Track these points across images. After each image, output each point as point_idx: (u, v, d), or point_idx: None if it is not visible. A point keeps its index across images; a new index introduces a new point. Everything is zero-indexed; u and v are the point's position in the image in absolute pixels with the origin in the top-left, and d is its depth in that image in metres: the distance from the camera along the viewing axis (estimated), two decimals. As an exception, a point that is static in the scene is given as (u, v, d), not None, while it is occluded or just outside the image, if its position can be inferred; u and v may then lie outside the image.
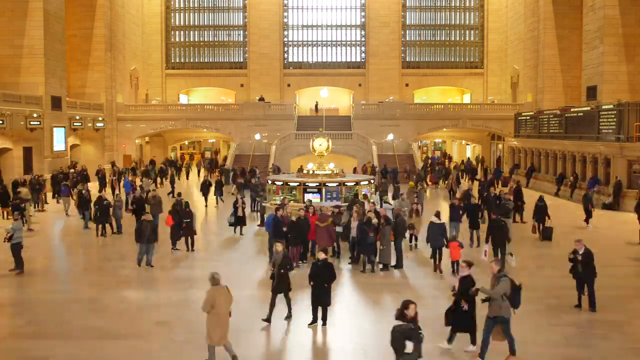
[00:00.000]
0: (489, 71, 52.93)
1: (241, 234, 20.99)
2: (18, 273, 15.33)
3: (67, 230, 22.89)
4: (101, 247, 19.82)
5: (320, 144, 25.32)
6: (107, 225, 20.86)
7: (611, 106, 28.84)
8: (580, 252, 12.44)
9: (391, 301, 13.23)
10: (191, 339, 10.74)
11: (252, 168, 35.71)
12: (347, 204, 20.70)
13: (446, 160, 48.24)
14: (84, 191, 23.52)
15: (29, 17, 33.19)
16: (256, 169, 34.64)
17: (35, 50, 33.47)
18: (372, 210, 16.73)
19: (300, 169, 28.52)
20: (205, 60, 53.86)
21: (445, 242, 15.61)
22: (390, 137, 43.31)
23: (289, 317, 11.75)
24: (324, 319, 11.40)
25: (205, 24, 53.97)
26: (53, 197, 28.93)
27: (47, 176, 31.23)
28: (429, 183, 36.60)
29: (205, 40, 53.92)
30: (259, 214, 23.67)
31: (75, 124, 38.88)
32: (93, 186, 30.91)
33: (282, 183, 24.14)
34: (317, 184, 23.44)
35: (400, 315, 7.92)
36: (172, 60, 53.97)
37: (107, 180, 33.21)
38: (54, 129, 34.85)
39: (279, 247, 11.87)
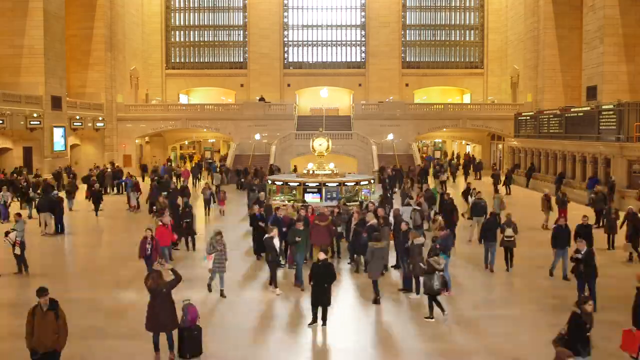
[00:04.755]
0: (489, 71, 52.92)
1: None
2: (16, 273, 15.32)
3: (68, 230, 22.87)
4: (101, 247, 19.82)
5: (320, 144, 25.34)
6: None
7: (611, 106, 28.83)
8: (582, 252, 12.44)
9: (390, 301, 13.23)
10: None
11: (256, 168, 35.64)
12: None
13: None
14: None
15: (29, 17, 33.20)
16: (261, 169, 34.86)
17: (35, 50, 33.48)
18: (371, 211, 16.71)
19: (295, 169, 27.39)
20: (205, 60, 53.84)
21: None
22: (390, 137, 43.33)
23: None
24: (324, 319, 11.40)
25: (205, 24, 53.95)
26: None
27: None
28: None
29: (205, 40, 53.90)
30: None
31: (75, 123, 38.91)
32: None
33: (282, 183, 24.15)
34: (317, 184, 23.45)
35: None
36: (172, 60, 53.95)
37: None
38: (54, 128, 34.87)
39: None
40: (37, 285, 14.76)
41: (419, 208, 19.00)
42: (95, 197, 25.74)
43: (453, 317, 11.99)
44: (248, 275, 15.68)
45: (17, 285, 14.70)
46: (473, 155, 50.37)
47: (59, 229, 21.44)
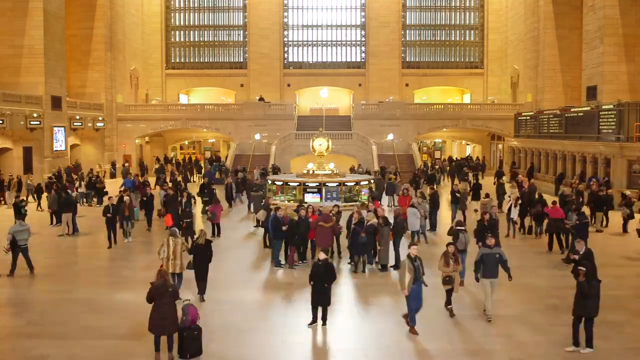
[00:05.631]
0: (489, 71, 52.91)
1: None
2: (8, 275, 15.28)
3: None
4: (102, 248, 19.80)
5: (320, 144, 25.39)
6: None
7: (611, 106, 28.83)
8: (581, 252, 12.41)
9: (390, 302, 13.23)
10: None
11: (264, 168, 35.67)
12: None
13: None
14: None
15: (29, 17, 33.19)
16: (266, 169, 34.95)
17: (35, 50, 33.47)
18: (371, 211, 16.72)
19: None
20: (205, 60, 53.83)
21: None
22: (390, 137, 43.33)
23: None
24: (324, 319, 11.40)
25: (205, 24, 53.95)
26: None
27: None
28: None
29: (205, 40, 53.89)
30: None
31: (75, 123, 38.90)
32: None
33: (282, 183, 24.18)
34: (317, 184, 23.47)
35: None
36: (172, 60, 53.94)
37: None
38: (54, 128, 34.86)
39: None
40: (38, 285, 14.83)
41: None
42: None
43: (453, 317, 11.99)
44: (248, 275, 15.69)
45: (17, 285, 14.70)
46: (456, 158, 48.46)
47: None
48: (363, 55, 53.58)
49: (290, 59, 53.88)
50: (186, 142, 55.20)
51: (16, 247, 15.33)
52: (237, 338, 10.87)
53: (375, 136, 43.61)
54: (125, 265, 16.79)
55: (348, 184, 24.65)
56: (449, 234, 15.01)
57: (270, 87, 52.37)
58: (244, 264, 16.85)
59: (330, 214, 16.79)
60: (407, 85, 53.39)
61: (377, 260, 15.95)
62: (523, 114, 41.43)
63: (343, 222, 17.67)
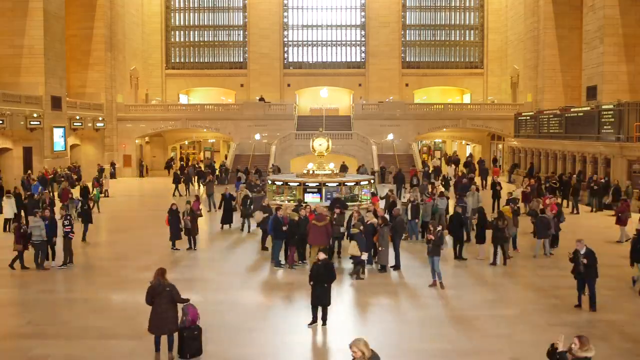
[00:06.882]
0: (489, 71, 52.90)
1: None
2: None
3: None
4: (101, 247, 19.81)
5: (320, 144, 25.37)
6: None
7: (611, 106, 28.84)
8: (582, 252, 12.40)
9: (389, 302, 13.24)
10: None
11: (257, 168, 35.68)
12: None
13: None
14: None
15: (29, 17, 33.19)
16: (261, 170, 34.92)
17: (35, 50, 33.47)
18: (371, 211, 16.72)
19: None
20: (205, 60, 53.81)
21: None
22: (390, 137, 43.33)
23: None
24: (324, 319, 11.40)
25: (205, 24, 53.94)
26: None
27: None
28: None
29: (205, 40, 53.88)
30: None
31: (75, 124, 38.90)
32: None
33: (282, 183, 24.17)
34: (317, 184, 23.46)
35: None
36: (172, 60, 53.93)
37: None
38: (54, 128, 34.87)
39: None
40: (37, 285, 14.83)
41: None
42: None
43: (453, 317, 12.00)
44: (248, 275, 15.69)
45: (17, 286, 14.71)
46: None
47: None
48: (363, 55, 53.57)
49: (290, 59, 53.87)
50: (186, 142, 55.20)
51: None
52: (237, 338, 10.88)
53: (375, 136, 43.61)
54: (125, 265, 16.79)
55: (348, 184, 24.67)
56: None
57: (270, 87, 52.36)
58: (243, 264, 16.86)
59: (325, 214, 16.73)
60: (407, 85, 53.37)
61: (376, 260, 15.94)
62: (523, 114, 41.44)
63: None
